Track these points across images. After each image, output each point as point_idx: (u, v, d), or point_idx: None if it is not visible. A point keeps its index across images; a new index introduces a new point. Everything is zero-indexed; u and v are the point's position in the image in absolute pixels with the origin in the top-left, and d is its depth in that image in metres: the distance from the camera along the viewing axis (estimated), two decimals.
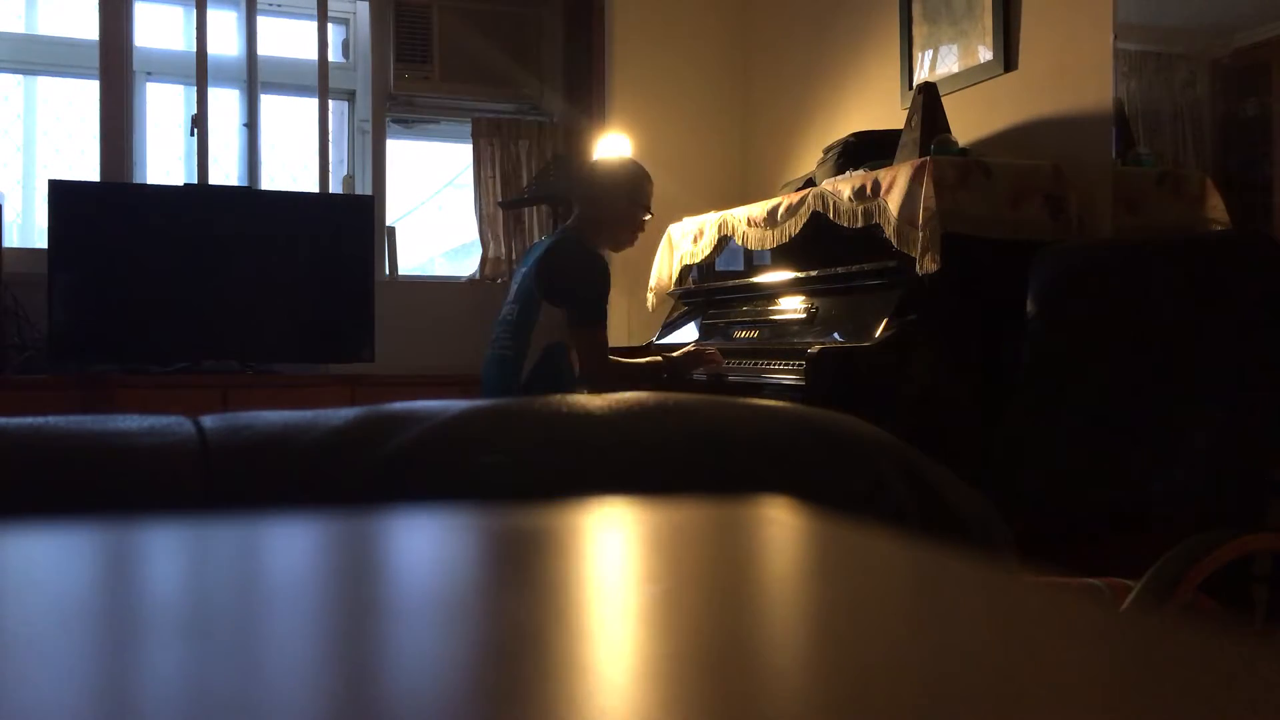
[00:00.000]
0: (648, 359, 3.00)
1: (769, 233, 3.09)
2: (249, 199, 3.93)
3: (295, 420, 0.67)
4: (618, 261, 2.96)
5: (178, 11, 4.23)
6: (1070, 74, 2.77)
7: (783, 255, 3.11)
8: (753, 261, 3.35)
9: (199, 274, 3.72)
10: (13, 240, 3.88)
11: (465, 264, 4.63)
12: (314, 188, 4.13)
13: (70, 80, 4.18)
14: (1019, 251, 2.39)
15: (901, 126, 2.86)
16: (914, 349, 2.48)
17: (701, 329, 3.43)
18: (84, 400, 3.41)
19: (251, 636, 0.29)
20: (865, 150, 3.01)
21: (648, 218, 3.01)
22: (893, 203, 2.53)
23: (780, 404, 0.78)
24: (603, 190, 2.96)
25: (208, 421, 0.66)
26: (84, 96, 4.10)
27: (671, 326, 3.63)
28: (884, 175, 2.61)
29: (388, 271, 4.27)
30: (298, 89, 4.28)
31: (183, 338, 3.69)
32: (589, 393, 0.71)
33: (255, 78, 4.12)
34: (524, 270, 2.91)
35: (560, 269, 2.80)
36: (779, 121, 4.20)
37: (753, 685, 0.25)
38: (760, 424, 0.73)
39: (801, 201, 2.95)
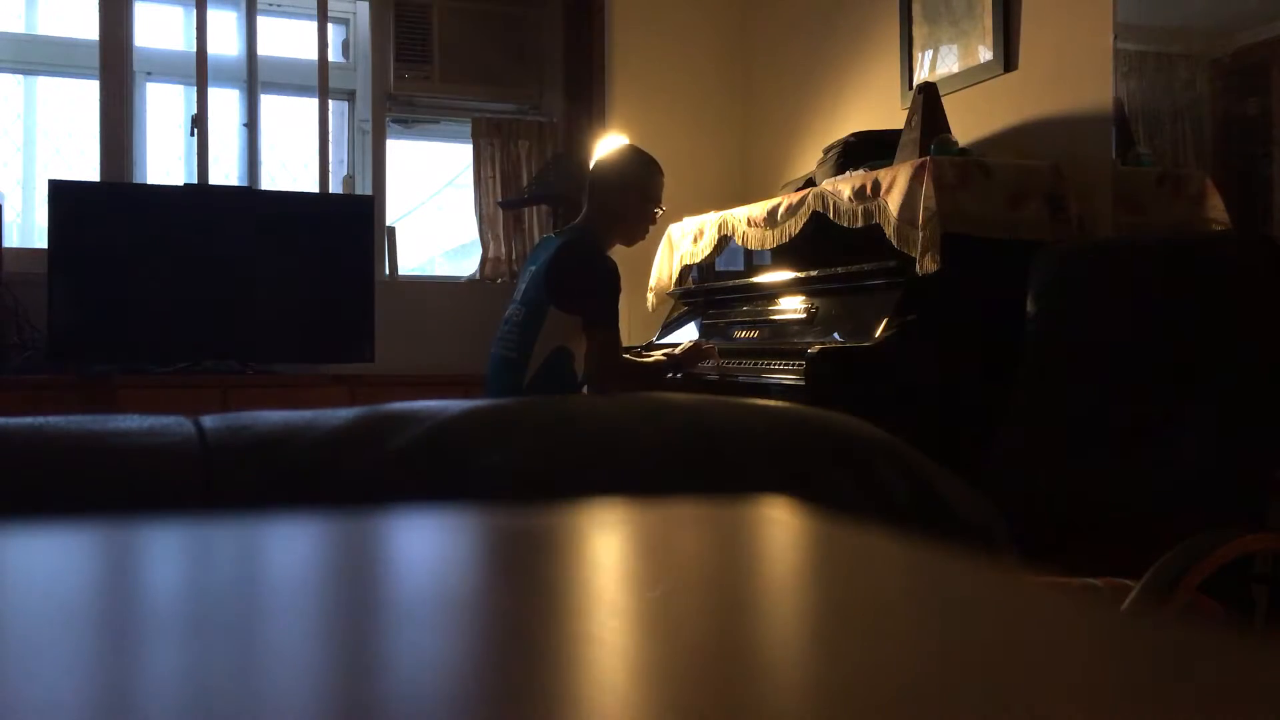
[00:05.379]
0: (654, 359, 3.00)
1: (769, 233, 3.09)
2: (249, 199, 3.93)
3: (295, 420, 0.67)
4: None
5: (178, 11, 4.23)
6: (1070, 74, 2.77)
7: (783, 255, 3.11)
8: (753, 261, 3.35)
9: (199, 274, 3.72)
10: (13, 240, 3.88)
11: (465, 264, 4.63)
12: (314, 188, 4.13)
13: (70, 80, 4.17)
14: (1019, 251, 2.39)
15: (901, 126, 2.86)
16: (914, 349, 2.48)
17: (701, 329, 3.42)
18: (84, 400, 3.41)
19: (252, 636, 0.29)
20: (865, 150, 3.01)
21: (659, 211, 2.97)
22: (893, 203, 2.53)
23: (780, 404, 0.78)
24: (613, 186, 2.90)
25: (208, 421, 0.66)
26: (84, 96, 4.10)
27: (671, 326, 3.63)
28: (884, 175, 2.61)
29: (388, 271, 4.26)
30: (298, 89, 4.28)
31: (183, 338, 3.69)
32: (602, 393, 0.70)
33: (255, 78, 4.12)
34: (532, 269, 2.86)
35: (571, 274, 2.75)
36: (779, 121, 4.20)
37: (752, 685, 0.25)
38: (760, 424, 0.73)
39: (801, 201, 2.95)
